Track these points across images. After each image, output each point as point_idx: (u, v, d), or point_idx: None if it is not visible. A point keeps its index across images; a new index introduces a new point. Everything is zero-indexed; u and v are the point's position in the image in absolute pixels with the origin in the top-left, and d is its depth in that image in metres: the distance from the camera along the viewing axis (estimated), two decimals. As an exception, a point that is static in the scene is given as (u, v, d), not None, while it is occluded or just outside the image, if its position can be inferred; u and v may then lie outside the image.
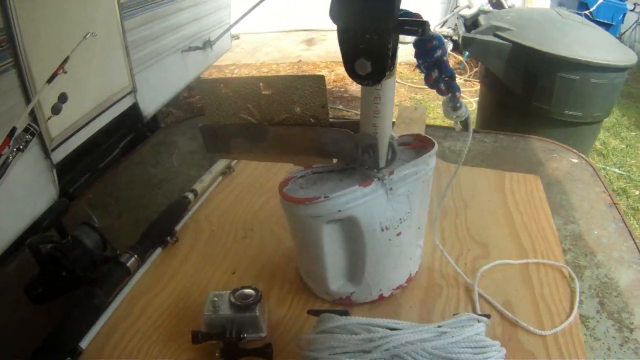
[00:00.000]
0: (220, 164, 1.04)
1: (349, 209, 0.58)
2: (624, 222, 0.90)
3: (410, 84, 3.96)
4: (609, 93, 2.08)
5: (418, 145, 0.70)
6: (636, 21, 4.81)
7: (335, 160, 0.66)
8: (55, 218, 0.66)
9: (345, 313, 0.55)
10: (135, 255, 0.70)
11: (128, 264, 0.69)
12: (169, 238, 0.80)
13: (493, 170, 1.06)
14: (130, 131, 1.75)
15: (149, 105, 1.86)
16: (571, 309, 0.67)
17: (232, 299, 0.57)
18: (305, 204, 0.57)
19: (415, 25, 0.46)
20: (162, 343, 0.63)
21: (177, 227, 0.84)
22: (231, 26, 3.03)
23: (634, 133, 3.14)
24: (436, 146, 0.66)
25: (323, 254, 0.62)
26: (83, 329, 0.61)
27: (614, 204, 0.97)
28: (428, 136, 0.69)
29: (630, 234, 0.87)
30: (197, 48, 2.44)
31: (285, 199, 0.59)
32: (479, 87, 2.74)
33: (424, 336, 0.50)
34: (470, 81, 3.99)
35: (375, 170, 0.60)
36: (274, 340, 0.60)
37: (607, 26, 4.49)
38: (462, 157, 0.64)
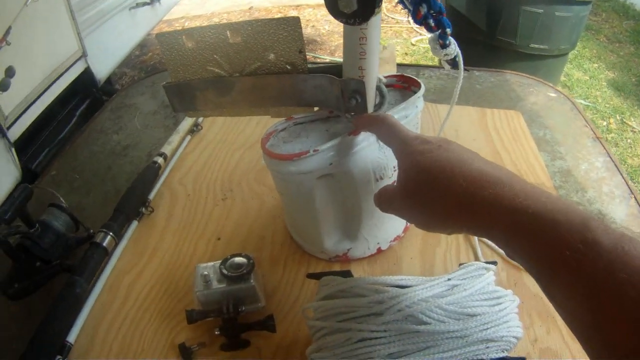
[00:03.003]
0: (187, 123, 0.97)
1: (341, 161, 0.53)
2: (610, 157, 0.88)
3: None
4: (573, 26, 2.06)
5: (402, 86, 0.65)
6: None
7: (316, 109, 0.61)
8: (18, 207, 0.59)
9: (347, 274, 0.51)
10: (111, 233, 0.64)
11: (104, 244, 0.62)
12: (143, 209, 0.74)
13: (474, 108, 1.02)
14: (85, 98, 1.64)
15: (102, 69, 1.75)
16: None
17: (224, 271, 0.52)
18: (294, 160, 0.51)
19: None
20: (154, 326, 0.58)
21: (150, 196, 0.78)
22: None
23: (595, 65, 3.16)
24: (423, 87, 0.61)
25: (315, 212, 0.58)
26: (69, 323, 0.56)
27: (598, 138, 0.95)
28: (412, 76, 0.64)
29: (617, 168, 0.85)
30: (145, 3, 2.31)
31: (270, 157, 0.53)
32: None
33: (435, 291, 0.47)
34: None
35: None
36: (273, 309, 0.57)
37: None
38: (455, 96, 0.60)
